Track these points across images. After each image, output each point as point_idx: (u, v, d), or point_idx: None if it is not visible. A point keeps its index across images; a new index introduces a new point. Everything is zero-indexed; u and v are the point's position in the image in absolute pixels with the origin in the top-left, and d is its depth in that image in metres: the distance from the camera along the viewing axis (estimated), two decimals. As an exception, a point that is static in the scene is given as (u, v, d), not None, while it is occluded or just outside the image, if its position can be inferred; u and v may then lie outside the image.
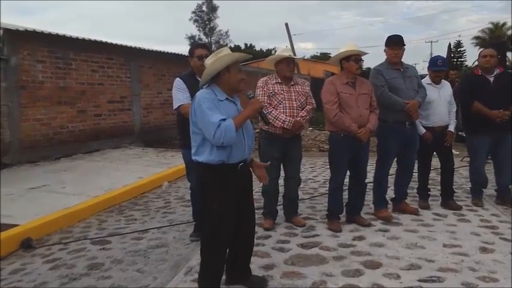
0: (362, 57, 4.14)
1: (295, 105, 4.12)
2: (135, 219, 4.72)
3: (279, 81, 4.18)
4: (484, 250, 3.54)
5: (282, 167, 4.32)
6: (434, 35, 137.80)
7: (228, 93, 2.64)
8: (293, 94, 4.16)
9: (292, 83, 4.21)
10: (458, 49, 60.15)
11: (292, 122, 4.01)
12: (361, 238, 3.88)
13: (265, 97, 4.12)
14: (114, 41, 9.50)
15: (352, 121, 3.96)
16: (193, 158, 2.64)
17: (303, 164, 7.57)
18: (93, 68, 8.92)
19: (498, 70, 4.84)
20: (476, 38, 47.40)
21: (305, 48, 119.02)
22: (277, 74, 4.24)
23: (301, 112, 4.13)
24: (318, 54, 58.45)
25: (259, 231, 4.03)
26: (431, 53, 54.72)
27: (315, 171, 7.27)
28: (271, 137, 4.13)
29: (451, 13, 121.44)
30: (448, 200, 4.86)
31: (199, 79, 3.49)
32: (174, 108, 3.82)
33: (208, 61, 2.66)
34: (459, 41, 59.67)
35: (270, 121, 2.76)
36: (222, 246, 2.69)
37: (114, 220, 4.72)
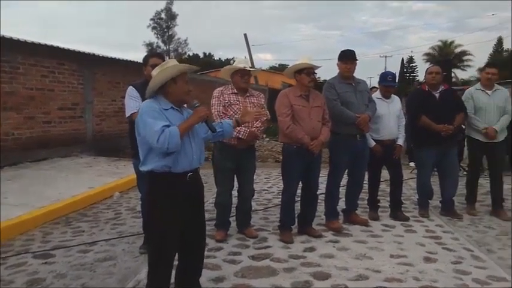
0: (316, 70, 4.22)
1: (250, 116, 4.13)
2: (83, 231, 4.55)
3: (235, 92, 4.19)
4: (427, 260, 3.67)
5: (235, 178, 4.32)
6: (388, 50, 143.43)
7: (174, 103, 2.63)
8: (248, 105, 4.17)
9: (248, 94, 4.24)
10: (411, 64, 63.20)
11: (248, 132, 4.03)
12: (311, 249, 3.92)
13: (221, 107, 4.12)
14: (67, 46, 9.23)
15: (304, 133, 4.02)
16: (140, 168, 2.63)
17: (258, 175, 7.62)
18: (43, 73, 8.57)
19: (443, 86, 5.08)
20: (427, 54, 49.83)
21: (264, 59, 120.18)
22: (233, 84, 4.25)
23: (256, 123, 4.15)
24: (277, 65, 59.29)
25: (211, 243, 3.99)
26: (385, 67, 57.12)
27: (269, 182, 7.31)
28: (225, 148, 4.12)
29: (404, 30, 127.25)
30: (397, 211, 5.01)
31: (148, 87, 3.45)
32: (127, 116, 3.77)
33: (154, 72, 2.64)
34: (411, 56, 62.83)
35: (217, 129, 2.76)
36: (168, 259, 2.63)
37: (59, 232, 4.52)
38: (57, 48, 8.92)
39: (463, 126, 5.37)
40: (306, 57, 4.19)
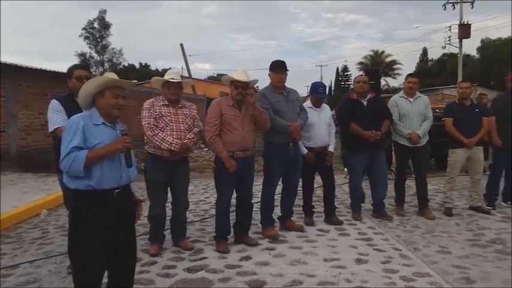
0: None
1: (182, 128, 4.08)
2: (4, 254, 4.21)
3: (166, 103, 4.12)
4: (359, 261, 3.81)
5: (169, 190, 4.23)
6: (324, 59, 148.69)
7: (105, 118, 2.52)
8: (180, 117, 4.12)
9: (180, 105, 4.18)
10: (345, 73, 66.24)
11: (180, 144, 3.96)
12: (247, 258, 3.93)
13: (152, 119, 4.02)
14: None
15: (224, 148, 4.05)
16: (64, 182, 2.51)
17: (196, 186, 7.55)
18: (-42, 86, 7.95)
19: (370, 95, 5.32)
20: (360, 63, 52.47)
21: (203, 68, 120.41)
22: (163, 96, 4.18)
23: (189, 134, 4.11)
24: (215, 75, 59.30)
25: (144, 257, 3.88)
26: (321, 76, 59.45)
27: (207, 193, 7.24)
28: (157, 160, 4.04)
29: (338, 40, 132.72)
30: (331, 215, 5.15)
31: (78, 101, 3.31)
32: (50, 131, 3.59)
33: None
34: (346, 65, 65.88)
35: (133, 165, 2.61)
36: (95, 279, 2.49)
37: (-24, 257, 4.17)
38: (-26, 58, 8.31)
39: (392, 131, 5.66)
40: (241, 70, 4.19)
